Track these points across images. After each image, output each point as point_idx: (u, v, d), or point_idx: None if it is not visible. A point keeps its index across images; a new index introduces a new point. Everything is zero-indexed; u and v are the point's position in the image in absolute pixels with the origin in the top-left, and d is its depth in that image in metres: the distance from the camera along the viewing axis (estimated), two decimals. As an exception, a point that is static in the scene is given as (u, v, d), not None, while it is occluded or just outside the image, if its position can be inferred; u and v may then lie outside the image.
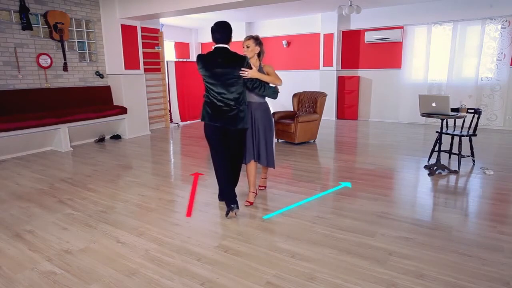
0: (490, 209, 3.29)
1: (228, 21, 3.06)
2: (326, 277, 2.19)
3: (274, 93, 3.25)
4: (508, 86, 7.29)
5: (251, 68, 3.01)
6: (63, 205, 3.49)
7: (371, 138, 7.00)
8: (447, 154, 4.96)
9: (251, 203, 3.38)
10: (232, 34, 3.04)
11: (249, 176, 3.40)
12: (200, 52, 3.22)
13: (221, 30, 2.98)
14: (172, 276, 2.23)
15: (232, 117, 3.02)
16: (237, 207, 3.05)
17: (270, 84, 3.21)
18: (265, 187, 3.85)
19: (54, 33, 6.08)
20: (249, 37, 3.27)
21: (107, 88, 7.04)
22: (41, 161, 5.27)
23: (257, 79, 3.08)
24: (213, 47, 3.02)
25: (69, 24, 6.33)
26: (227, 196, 3.11)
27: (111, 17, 6.73)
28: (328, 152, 5.80)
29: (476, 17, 7.29)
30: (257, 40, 3.26)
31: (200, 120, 3.14)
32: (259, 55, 3.28)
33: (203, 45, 11.34)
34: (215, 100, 3.01)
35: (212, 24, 3.00)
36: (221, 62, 2.94)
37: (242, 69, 2.96)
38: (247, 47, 3.23)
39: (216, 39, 2.98)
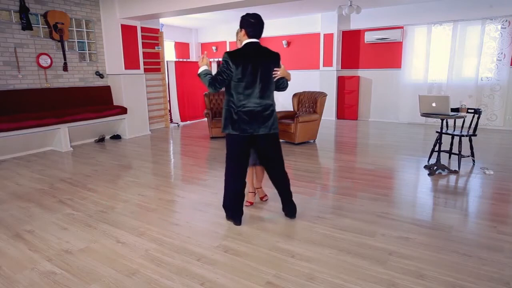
0: (490, 209, 3.29)
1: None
2: (326, 277, 2.19)
3: None
4: (508, 86, 7.29)
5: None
6: (63, 205, 3.49)
7: (371, 138, 7.00)
8: (447, 154, 4.96)
9: (251, 203, 3.38)
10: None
11: (248, 177, 3.39)
12: (200, 53, 3.01)
13: (261, 25, 2.71)
14: (172, 276, 2.23)
15: (273, 120, 2.79)
16: (240, 224, 2.95)
17: None
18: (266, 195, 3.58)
19: (54, 33, 6.08)
20: None
21: (107, 88, 7.04)
22: (41, 161, 5.27)
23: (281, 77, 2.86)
24: (244, 42, 2.75)
25: (69, 24, 6.33)
26: (236, 210, 2.93)
27: (111, 17, 6.73)
28: (328, 152, 5.80)
29: (476, 17, 7.30)
30: None
31: (224, 131, 2.78)
32: None
33: (203, 45, 11.33)
34: (252, 105, 2.70)
35: (245, 14, 2.75)
36: (262, 59, 2.69)
37: (275, 69, 2.76)
38: None
39: (252, 34, 2.70)
